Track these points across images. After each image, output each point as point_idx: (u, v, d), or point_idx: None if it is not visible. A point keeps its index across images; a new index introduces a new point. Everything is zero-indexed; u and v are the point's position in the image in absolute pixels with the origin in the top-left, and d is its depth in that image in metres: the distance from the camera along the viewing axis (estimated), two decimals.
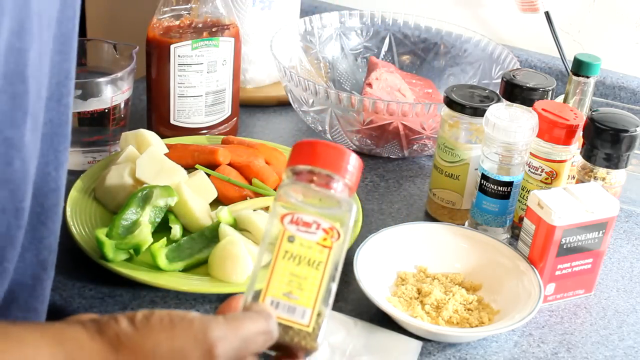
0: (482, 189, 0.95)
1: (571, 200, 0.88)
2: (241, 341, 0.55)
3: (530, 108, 0.95)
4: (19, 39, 0.52)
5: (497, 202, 0.95)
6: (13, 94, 0.53)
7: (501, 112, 0.93)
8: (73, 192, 0.94)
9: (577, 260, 0.90)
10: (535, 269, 0.88)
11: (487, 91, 1.00)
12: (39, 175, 0.60)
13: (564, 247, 0.88)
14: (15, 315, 0.62)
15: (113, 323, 0.54)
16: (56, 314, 0.83)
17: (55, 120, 0.61)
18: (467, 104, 0.96)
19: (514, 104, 0.97)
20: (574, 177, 1.00)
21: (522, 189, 0.98)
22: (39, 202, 0.61)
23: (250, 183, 1.00)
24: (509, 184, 0.94)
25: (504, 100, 1.01)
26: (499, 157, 0.93)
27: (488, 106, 0.95)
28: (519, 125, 0.91)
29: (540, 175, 0.96)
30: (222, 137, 1.09)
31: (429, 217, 1.04)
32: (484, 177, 0.95)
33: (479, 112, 0.95)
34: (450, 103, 0.97)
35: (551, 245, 0.87)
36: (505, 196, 0.95)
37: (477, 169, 0.96)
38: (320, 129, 1.14)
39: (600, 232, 0.89)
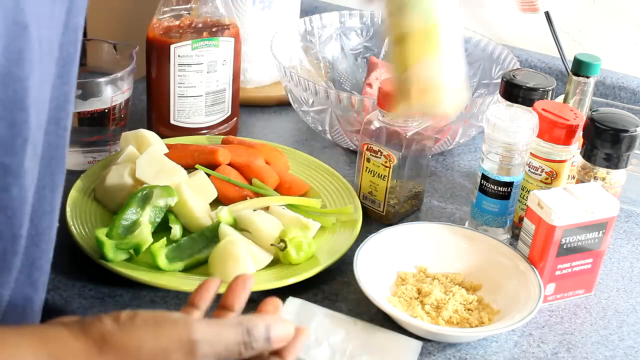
0: (482, 189, 0.96)
1: (571, 200, 0.88)
2: (222, 346, 0.56)
3: (530, 108, 0.95)
4: (18, 68, 0.52)
5: (497, 202, 0.95)
6: (12, 121, 0.53)
7: (501, 113, 0.93)
8: (73, 192, 0.94)
9: (577, 261, 0.90)
10: (535, 269, 0.88)
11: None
12: (35, 198, 0.59)
13: (564, 247, 0.88)
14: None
15: (97, 323, 0.54)
16: (56, 314, 0.83)
17: (53, 144, 0.61)
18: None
19: (515, 105, 0.97)
20: (574, 177, 1.00)
21: (522, 189, 0.98)
22: (34, 225, 0.60)
23: (250, 183, 1.00)
24: (509, 184, 0.94)
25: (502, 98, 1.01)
26: (499, 157, 0.93)
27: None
28: (519, 125, 0.91)
29: (540, 175, 0.96)
30: (222, 137, 1.09)
31: (430, 215, 1.04)
32: (484, 177, 0.95)
33: None
34: None
35: (551, 245, 0.87)
36: (506, 196, 0.95)
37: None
38: (320, 129, 1.14)
39: (600, 232, 0.89)
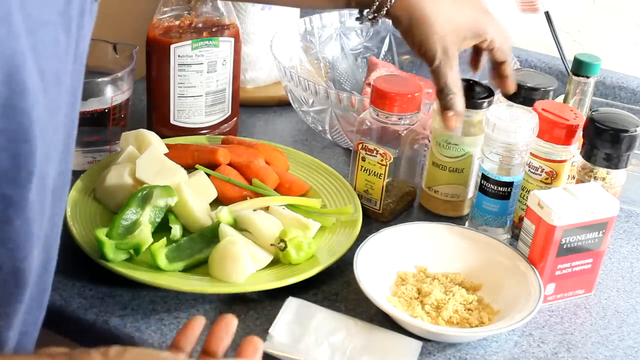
0: (482, 189, 0.96)
1: (571, 200, 0.88)
2: None
3: (530, 108, 0.95)
4: (20, 99, 0.51)
5: (497, 202, 0.95)
6: (15, 153, 0.52)
7: (501, 113, 0.93)
8: (73, 192, 0.94)
9: (577, 260, 0.90)
10: (535, 269, 0.88)
11: (471, 82, 1.02)
12: (48, 226, 0.59)
13: (564, 247, 0.88)
14: (7, 338, 0.61)
15: (85, 357, 0.53)
16: (56, 314, 0.83)
17: (63, 170, 0.61)
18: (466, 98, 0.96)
19: (515, 104, 0.97)
20: (574, 177, 1.00)
21: (522, 189, 0.98)
22: (46, 252, 0.60)
23: (250, 183, 1.00)
24: (509, 184, 0.94)
25: (499, 94, 1.01)
26: (499, 157, 0.93)
27: (486, 98, 0.98)
28: (519, 125, 0.91)
29: (540, 175, 0.96)
30: (222, 137, 1.09)
31: (429, 214, 1.04)
32: (484, 177, 0.95)
33: (477, 105, 0.97)
34: None
35: (551, 245, 0.87)
36: (506, 196, 0.95)
37: (479, 158, 0.98)
38: (320, 129, 1.14)
39: (601, 232, 0.89)
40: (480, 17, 0.94)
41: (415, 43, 0.91)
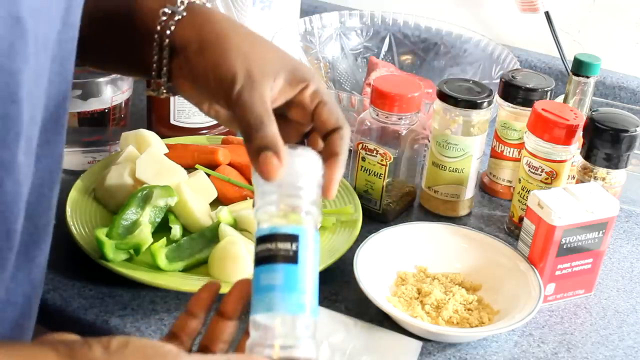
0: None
1: (571, 200, 0.88)
2: None
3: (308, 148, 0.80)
4: (9, 60, 0.51)
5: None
6: (4, 115, 0.52)
7: None
8: (73, 192, 0.94)
9: (577, 260, 0.90)
10: (535, 269, 0.88)
11: (470, 82, 1.02)
12: (34, 196, 0.59)
13: (564, 247, 0.88)
14: (1, 333, 0.61)
15: (86, 349, 0.53)
16: (56, 314, 0.83)
17: (52, 141, 0.60)
18: (466, 98, 0.96)
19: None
20: (574, 177, 1.00)
21: (522, 189, 0.98)
22: (33, 223, 0.60)
23: (250, 183, 1.00)
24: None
25: (496, 94, 1.02)
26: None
27: (486, 98, 0.97)
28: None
29: (540, 175, 0.96)
30: (222, 137, 1.09)
31: (429, 214, 1.04)
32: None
33: (478, 105, 0.97)
34: (445, 97, 0.97)
35: (551, 246, 0.87)
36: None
37: (478, 158, 0.99)
38: None
39: (601, 232, 0.89)
40: (298, 62, 0.68)
41: (208, 66, 0.65)
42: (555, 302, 0.92)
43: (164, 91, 0.72)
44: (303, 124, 0.68)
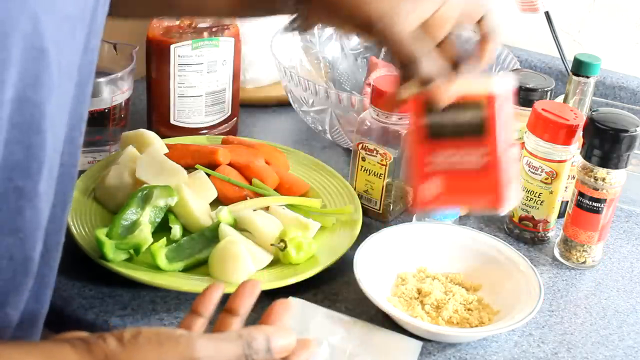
0: None
1: None
2: None
3: None
4: (34, 92, 0.51)
5: None
6: (28, 145, 0.53)
7: None
8: (73, 192, 0.94)
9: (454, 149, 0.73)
10: (535, 269, 0.88)
11: None
12: (48, 218, 0.59)
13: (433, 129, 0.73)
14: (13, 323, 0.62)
15: (101, 342, 0.54)
16: (56, 314, 0.83)
17: (67, 163, 0.61)
18: None
19: None
20: (574, 177, 1.00)
21: (523, 190, 0.98)
22: (45, 244, 0.60)
23: (250, 183, 1.00)
24: None
25: None
26: None
27: None
28: None
29: (540, 175, 0.96)
30: (222, 137, 1.09)
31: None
32: None
33: None
34: None
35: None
36: None
37: None
38: (320, 129, 1.14)
39: (478, 111, 0.72)
40: None
41: (362, 16, 0.69)
42: (555, 302, 0.92)
43: (300, 26, 0.79)
44: None
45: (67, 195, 0.63)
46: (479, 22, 0.75)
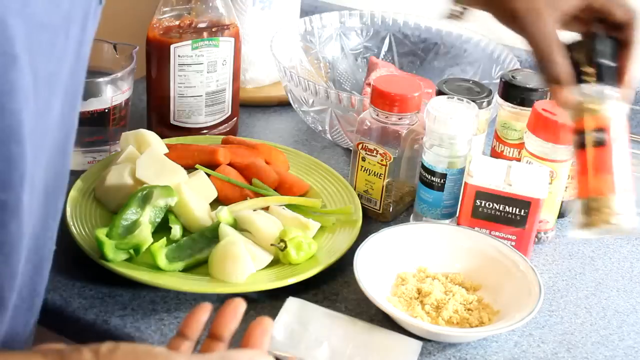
0: (420, 177, 0.98)
1: (498, 169, 0.93)
2: None
3: (469, 101, 0.96)
4: (9, 101, 0.50)
5: (431, 192, 0.97)
6: (7, 157, 0.51)
7: (441, 105, 0.94)
8: (73, 192, 0.94)
9: (496, 231, 0.93)
10: (535, 269, 0.88)
11: (470, 82, 1.04)
12: (39, 227, 0.59)
13: (479, 210, 0.92)
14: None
15: (76, 355, 0.53)
16: (56, 314, 0.83)
17: (59, 173, 0.60)
18: (466, 98, 0.96)
19: (455, 96, 0.97)
20: (574, 177, 1.00)
21: None
22: (38, 254, 0.60)
23: (250, 183, 1.00)
24: (443, 175, 0.95)
25: (496, 94, 1.02)
26: (440, 149, 0.94)
27: (486, 98, 1.00)
28: (459, 117, 0.93)
29: None
30: (222, 137, 1.09)
31: None
32: (422, 166, 0.97)
33: (477, 105, 0.97)
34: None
35: (464, 201, 0.93)
36: (439, 188, 0.96)
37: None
38: (320, 129, 1.14)
39: (523, 210, 0.91)
40: None
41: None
42: (555, 302, 0.92)
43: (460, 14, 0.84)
44: (591, 18, 0.77)
45: (59, 205, 0.62)
46: (622, 28, 0.76)
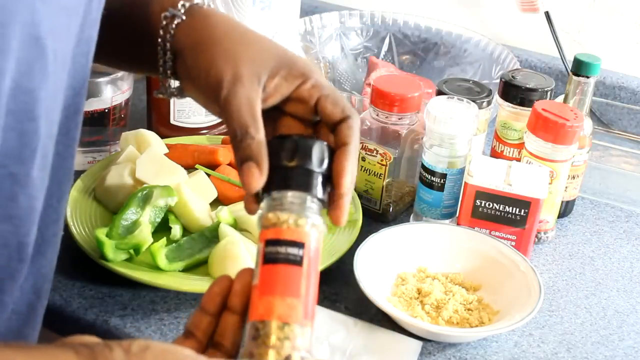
0: (420, 178, 0.97)
1: (498, 170, 0.93)
2: None
3: (469, 101, 0.96)
4: (29, 80, 0.52)
5: (431, 192, 0.96)
6: (21, 131, 0.53)
7: (441, 105, 0.94)
8: (73, 192, 0.94)
9: (497, 231, 0.93)
10: (535, 269, 0.88)
11: (470, 81, 1.03)
12: (43, 207, 0.60)
13: (479, 210, 0.92)
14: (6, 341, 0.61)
15: (107, 352, 0.53)
16: (56, 314, 0.83)
17: (62, 154, 0.61)
18: (466, 98, 0.96)
19: (455, 96, 0.97)
20: (574, 177, 1.00)
21: None
22: (41, 233, 0.61)
23: None
24: (443, 175, 0.95)
25: (495, 94, 1.02)
26: (440, 149, 0.94)
27: (486, 98, 1.00)
28: (459, 117, 0.92)
29: None
30: (222, 137, 1.09)
31: None
32: (422, 167, 0.96)
33: (477, 105, 0.97)
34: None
35: (464, 202, 0.93)
36: (439, 188, 0.96)
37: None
38: None
39: (523, 210, 0.91)
40: (297, 58, 0.67)
41: (202, 70, 0.66)
42: (555, 302, 0.92)
43: (174, 92, 0.73)
44: (308, 119, 0.66)
45: (64, 187, 0.63)
46: (337, 128, 0.63)
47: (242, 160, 0.61)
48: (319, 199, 0.60)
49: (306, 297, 0.59)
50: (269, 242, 0.58)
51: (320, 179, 0.60)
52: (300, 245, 0.58)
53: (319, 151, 0.61)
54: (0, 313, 0.59)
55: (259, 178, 0.60)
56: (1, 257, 0.56)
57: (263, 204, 0.61)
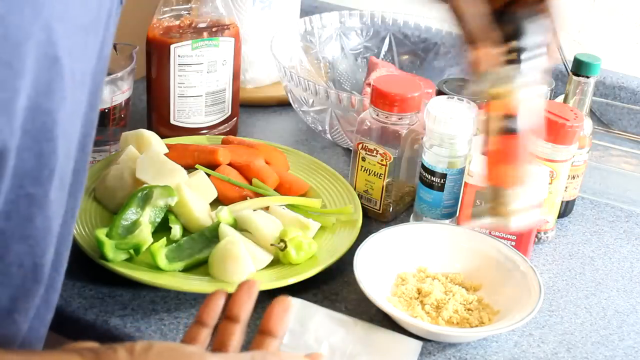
0: (420, 178, 0.97)
1: None
2: None
3: (470, 101, 0.96)
4: (47, 100, 0.51)
5: (431, 192, 0.96)
6: (39, 152, 0.52)
7: (441, 105, 0.94)
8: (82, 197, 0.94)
9: (497, 231, 0.93)
10: (535, 269, 0.88)
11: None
12: (61, 225, 0.60)
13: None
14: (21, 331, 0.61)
15: (111, 353, 0.53)
16: (56, 314, 0.83)
17: (77, 169, 0.61)
18: (465, 98, 0.96)
19: (455, 96, 0.97)
20: (574, 177, 1.00)
21: None
22: (56, 250, 0.61)
23: (250, 183, 1.00)
24: (443, 175, 0.95)
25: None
26: (440, 149, 0.94)
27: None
28: (458, 117, 0.93)
29: None
30: (222, 137, 1.09)
31: None
32: (422, 167, 0.96)
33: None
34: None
35: (464, 201, 0.93)
36: (439, 188, 0.95)
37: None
38: (320, 129, 1.14)
39: None
40: None
41: None
42: (555, 302, 0.92)
43: None
44: None
45: (77, 201, 0.63)
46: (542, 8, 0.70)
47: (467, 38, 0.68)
48: None
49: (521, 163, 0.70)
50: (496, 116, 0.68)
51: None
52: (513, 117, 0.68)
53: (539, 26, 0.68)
54: (13, 333, 0.59)
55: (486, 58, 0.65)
56: (16, 277, 0.56)
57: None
